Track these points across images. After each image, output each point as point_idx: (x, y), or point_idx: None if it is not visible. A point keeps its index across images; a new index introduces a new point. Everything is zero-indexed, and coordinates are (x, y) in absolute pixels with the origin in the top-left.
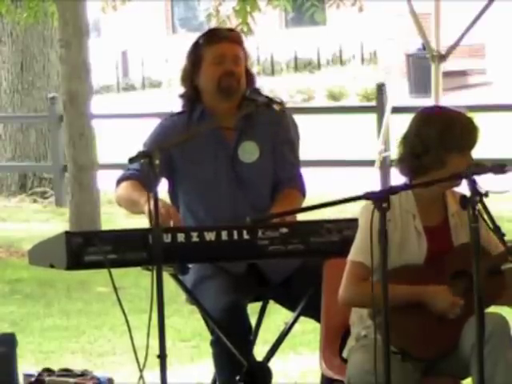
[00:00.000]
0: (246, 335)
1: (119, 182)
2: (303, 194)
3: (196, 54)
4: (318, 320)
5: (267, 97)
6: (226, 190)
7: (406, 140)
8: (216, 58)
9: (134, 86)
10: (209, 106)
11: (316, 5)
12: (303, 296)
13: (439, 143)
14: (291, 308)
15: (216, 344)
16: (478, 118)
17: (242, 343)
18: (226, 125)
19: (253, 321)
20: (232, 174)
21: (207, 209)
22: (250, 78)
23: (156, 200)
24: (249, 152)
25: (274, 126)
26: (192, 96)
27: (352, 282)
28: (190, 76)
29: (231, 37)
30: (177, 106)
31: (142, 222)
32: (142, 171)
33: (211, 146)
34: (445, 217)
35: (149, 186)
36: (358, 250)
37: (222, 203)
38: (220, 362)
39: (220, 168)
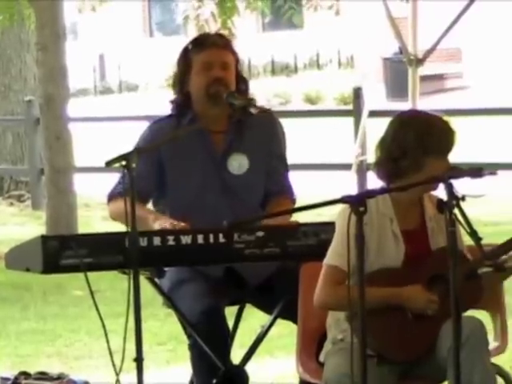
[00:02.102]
0: (223, 338)
1: (112, 197)
2: (293, 202)
3: (185, 61)
4: (295, 322)
5: (251, 99)
6: (212, 200)
7: (384, 144)
8: (204, 65)
9: (111, 89)
10: (199, 112)
11: (294, 7)
12: (280, 299)
13: (417, 147)
14: (268, 311)
15: (194, 347)
16: (454, 122)
17: (219, 346)
18: (216, 130)
19: (229, 324)
20: (219, 185)
21: (192, 218)
22: (242, 82)
23: (133, 203)
24: (238, 164)
25: (266, 137)
26: (182, 102)
27: (327, 286)
28: (180, 82)
29: (220, 43)
30: (153, 109)
31: (118, 225)
32: (135, 183)
33: (200, 155)
34: (422, 221)
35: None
36: (334, 254)
37: (207, 213)
38: (197, 365)
39: (208, 177)
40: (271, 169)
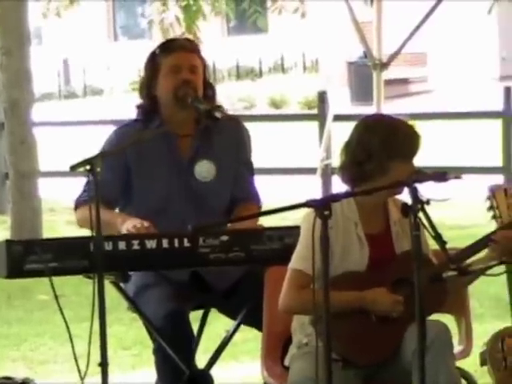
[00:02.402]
0: (187, 343)
1: (78, 204)
2: (259, 208)
3: (152, 65)
4: (259, 329)
5: (218, 106)
6: (178, 206)
7: (349, 148)
8: (172, 68)
9: (76, 93)
10: (166, 116)
11: (259, 11)
12: (245, 305)
13: (381, 151)
14: (233, 316)
15: (158, 352)
16: (419, 126)
17: (183, 351)
18: (183, 133)
19: (194, 329)
20: (186, 191)
21: (157, 224)
22: (209, 88)
23: (97, 207)
24: (205, 171)
25: (233, 144)
26: (149, 107)
27: (292, 290)
28: (148, 87)
29: (188, 46)
30: (118, 113)
31: (83, 230)
32: (101, 189)
33: (166, 160)
34: (387, 224)
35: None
36: (299, 258)
37: (172, 219)
38: (162, 369)
39: (174, 183)
40: (238, 175)
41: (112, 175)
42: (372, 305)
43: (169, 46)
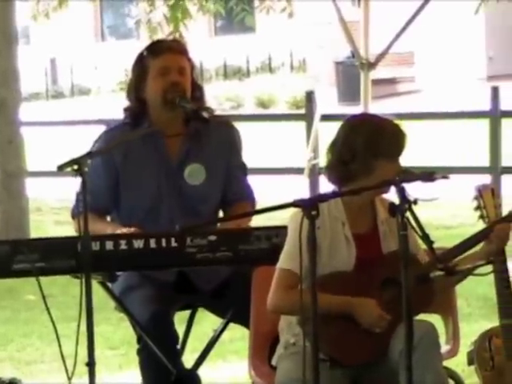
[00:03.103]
0: (171, 344)
1: (75, 215)
2: (253, 205)
3: (141, 67)
4: (247, 327)
5: (207, 108)
6: (167, 209)
7: (334, 147)
8: (161, 70)
9: (63, 93)
10: (155, 118)
11: (246, 10)
12: (232, 304)
13: (367, 150)
14: (221, 315)
15: (142, 353)
16: (407, 126)
17: (168, 352)
18: (173, 140)
19: (182, 328)
20: (175, 194)
21: (146, 227)
22: (197, 89)
23: (85, 208)
24: (195, 175)
25: (224, 148)
26: (137, 109)
27: (281, 290)
28: (136, 89)
29: (176, 48)
30: (106, 113)
31: (71, 230)
32: (94, 198)
33: (155, 163)
34: (374, 224)
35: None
36: (287, 258)
37: (161, 223)
38: (147, 370)
39: (163, 186)
40: (231, 177)
41: (103, 182)
42: (358, 314)
43: (157, 48)
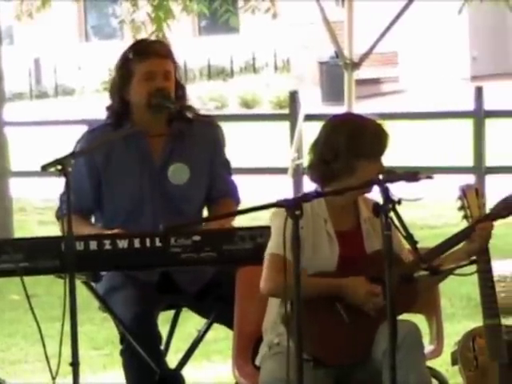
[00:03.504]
0: (155, 344)
1: (59, 217)
2: (237, 202)
3: (126, 69)
4: (230, 327)
5: (189, 106)
6: (151, 209)
7: (316, 147)
8: (146, 74)
9: (47, 93)
10: (138, 119)
11: (231, 10)
12: (216, 304)
13: (348, 150)
14: (205, 315)
15: (126, 353)
16: (391, 126)
17: (151, 352)
18: (156, 140)
19: (166, 329)
20: (158, 194)
21: (129, 226)
22: (179, 88)
23: (69, 208)
24: (179, 174)
25: (208, 146)
26: (120, 109)
27: (274, 272)
28: (120, 90)
29: (162, 52)
30: (90, 113)
31: (55, 230)
32: (77, 199)
33: (138, 163)
34: (357, 223)
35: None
36: (276, 245)
37: (144, 222)
38: (130, 371)
39: (146, 186)
40: (216, 176)
41: (85, 183)
42: (350, 292)
43: (143, 52)
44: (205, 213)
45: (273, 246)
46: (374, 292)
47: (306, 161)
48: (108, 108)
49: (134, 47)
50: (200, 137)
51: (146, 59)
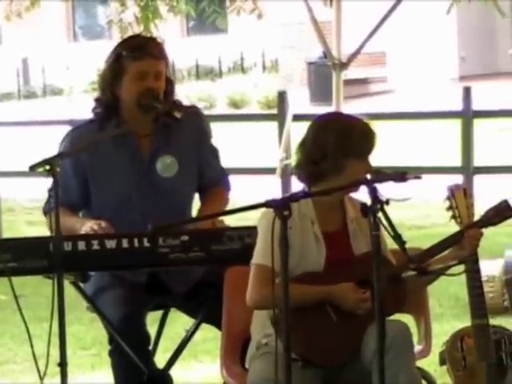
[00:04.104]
0: (143, 344)
1: (46, 212)
2: (228, 189)
3: (118, 65)
4: (219, 327)
5: (175, 102)
6: (139, 204)
7: (304, 146)
8: (138, 74)
9: (35, 93)
10: (127, 116)
11: (218, 11)
12: (204, 304)
13: (336, 149)
14: (193, 315)
15: (114, 353)
16: (379, 126)
17: (139, 353)
18: (143, 139)
19: (154, 329)
20: (148, 188)
21: (118, 224)
22: (168, 84)
23: (57, 209)
24: (167, 167)
25: (194, 135)
26: (110, 103)
27: (259, 285)
28: (110, 84)
29: (156, 53)
30: (78, 113)
31: (43, 230)
32: (65, 194)
33: (125, 160)
34: (343, 223)
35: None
36: (261, 254)
37: (134, 218)
38: (118, 371)
39: (135, 181)
40: (204, 163)
41: (72, 180)
42: (339, 300)
43: (137, 51)
44: (196, 202)
45: (258, 255)
46: (363, 298)
47: (293, 161)
48: (97, 100)
49: (128, 44)
50: (185, 127)
51: (140, 59)
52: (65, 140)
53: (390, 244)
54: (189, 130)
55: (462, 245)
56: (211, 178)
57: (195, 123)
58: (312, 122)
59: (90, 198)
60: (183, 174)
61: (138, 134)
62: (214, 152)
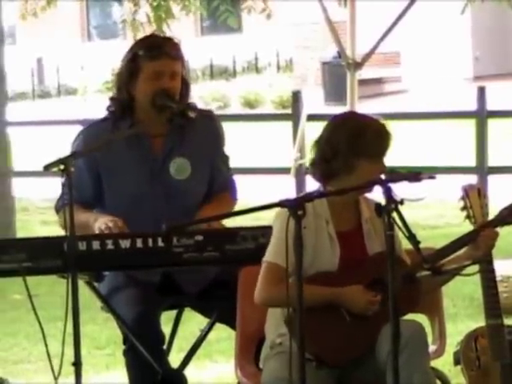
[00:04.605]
0: (157, 344)
1: (59, 209)
2: (234, 198)
3: (134, 65)
4: (233, 327)
5: (189, 104)
6: (153, 204)
7: (318, 144)
8: (154, 74)
9: (50, 93)
10: (141, 116)
11: (230, 10)
12: (218, 304)
13: (347, 149)
14: (207, 314)
15: (129, 353)
16: (393, 126)
17: (153, 352)
18: (157, 139)
19: (169, 328)
20: (160, 189)
21: (132, 224)
22: (184, 85)
23: (71, 207)
24: (181, 169)
25: (208, 140)
26: (125, 102)
27: (268, 283)
28: (126, 83)
29: (172, 53)
30: (92, 112)
31: (57, 230)
32: (78, 191)
33: (138, 160)
34: (358, 222)
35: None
36: (274, 252)
37: (148, 218)
38: (133, 370)
39: (147, 182)
40: (216, 170)
41: (87, 176)
42: (349, 302)
43: (154, 51)
44: None
45: (271, 253)
46: (372, 301)
47: (308, 161)
48: (112, 99)
49: (145, 43)
50: (201, 131)
51: (156, 59)
52: (78, 139)
53: (405, 244)
54: (203, 133)
55: (477, 244)
56: (220, 184)
57: (210, 127)
58: (329, 120)
59: (103, 196)
60: (195, 176)
61: (151, 134)
62: (226, 159)
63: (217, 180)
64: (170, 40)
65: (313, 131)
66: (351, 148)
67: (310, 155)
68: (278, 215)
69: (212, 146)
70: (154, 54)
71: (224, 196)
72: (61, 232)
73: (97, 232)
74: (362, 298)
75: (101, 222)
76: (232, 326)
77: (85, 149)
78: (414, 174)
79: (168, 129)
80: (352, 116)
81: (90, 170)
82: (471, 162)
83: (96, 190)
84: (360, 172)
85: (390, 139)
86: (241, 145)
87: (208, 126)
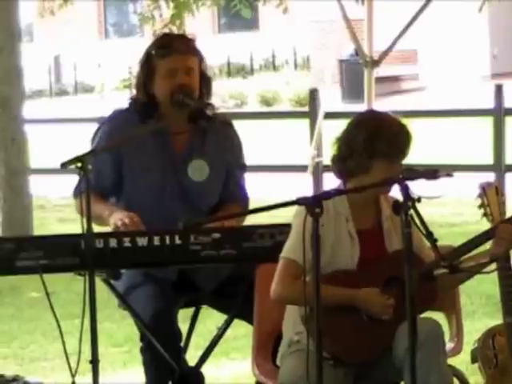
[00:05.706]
0: (174, 342)
1: (77, 194)
2: (245, 208)
3: (148, 66)
4: (251, 322)
5: (208, 104)
6: (169, 204)
7: (338, 142)
8: (168, 72)
9: (67, 90)
10: (163, 114)
11: (244, 2)
12: (236, 301)
13: (363, 149)
14: (225, 311)
15: (145, 351)
16: (410, 124)
17: (171, 350)
18: (178, 137)
19: (186, 326)
20: (178, 189)
21: (147, 220)
22: (204, 82)
23: (88, 203)
24: (199, 171)
25: (227, 146)
26: (147, 103)
27: (285, 280)
28: (144, 85)
29: (183, 48)
30: (109, 110)
31: (74, 227)
32: (97, 179)
33: (159, 156)
34: (378, 220)
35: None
36: (292, 249)
37: (162, 217)
38: (150, 368)
39: (166, 181)
40: (231, 177)
41: (109, 165)
42: (363, 305)
43: (164, 48)
44: None
45: (289, 249)
46: (387, 304)
47: (326, 159)
48: (134, 99)
49: (156, 43)
50: (220, 135)
51: (167, 56)
52: (101, 131)
53: (425, 241)
54: (222, 139)
55: (498, 241)
56: (233, 193)
57: (229, 134)
58: (353, 117)
59: (122, 186)
60: (212, 179)
61: (173, 131)
62: (242, 169)
63: (230, 186)
64: (180, 37)
65: (330, 129)
66: (366, 149)
67: (330, 152)
68: (297, 213)
69: (229, 152)
70: (165, 51)
71: (234, 208)
72: (79, 230)
73: (112, 227)
74: (377, 301)
75: (116, 218)
76: (249, 321)
77: (108, 141)
78: (431, 172)
79: (190, 128)
80: (372, 115)
81: (112, 161)
82: (489, 160)
83: (115, 181)
84: (375, 173)
85: (408, 141)
86: (258, 142)
87: (227, 133)
